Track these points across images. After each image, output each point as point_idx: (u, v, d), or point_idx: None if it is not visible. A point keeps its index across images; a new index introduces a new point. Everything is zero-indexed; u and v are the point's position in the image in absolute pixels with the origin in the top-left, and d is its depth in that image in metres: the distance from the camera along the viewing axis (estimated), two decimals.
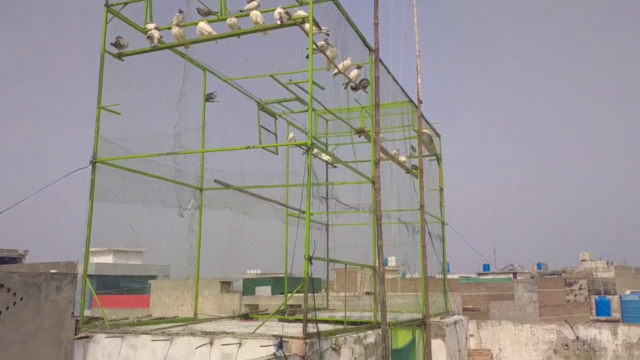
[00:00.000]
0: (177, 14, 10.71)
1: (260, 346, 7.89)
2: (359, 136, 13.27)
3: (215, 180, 12.14)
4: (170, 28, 10.28)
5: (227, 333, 8.63)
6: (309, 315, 8.29)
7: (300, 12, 9.41)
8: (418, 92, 15.57)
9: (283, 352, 7.62)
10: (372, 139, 11.69)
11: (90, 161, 9.78)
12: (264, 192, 13.38)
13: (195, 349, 8.35)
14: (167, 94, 9.90)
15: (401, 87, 14.19)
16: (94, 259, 45.63)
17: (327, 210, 17.91)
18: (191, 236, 10.24)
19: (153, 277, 39.29)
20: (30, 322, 9.35)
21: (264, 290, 34.93)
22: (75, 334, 9.32)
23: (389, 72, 13.19)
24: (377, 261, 11.02)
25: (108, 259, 46.72)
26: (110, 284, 40.48)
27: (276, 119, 15.71)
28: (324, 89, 10.28)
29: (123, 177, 9.67)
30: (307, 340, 8.08)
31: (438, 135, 18.37)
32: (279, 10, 9.48)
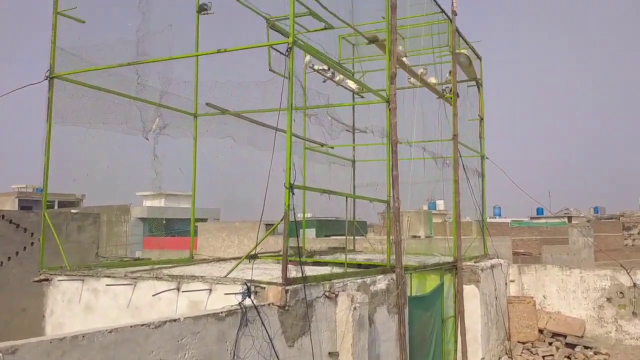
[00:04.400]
0: None
1: (225, 294, 6.39)
2: (368, 44, 11.21)
3: (207, 104, 10.52)
4: None
5: (196, 277, 7.17)
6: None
7: None
8: (453, 3, 13.33)
9: (253, 301, 6.09)
10: (387, 49, 9.72)
11: (46, 76, 8.29)
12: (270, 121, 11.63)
13: (153, 295, 6.94)
14: None
15: None
16: (146, 203, 45.89)
17: (354, 142, 16.16)
18: (155, 163, 8.71)
19: (203, 220, 39.17)
20: (50, 263, 8.62)
21: (309, 233, 34.25)
22: None
23: None
24: (390, 194, 9.26)
25: (159, 202, 46.79)
26: (161, 227, 40.53)
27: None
28: None
29: (82, 95, 8.14)
30: (289, 287, 6.52)
31: (479, 57, 16.06)
32: None
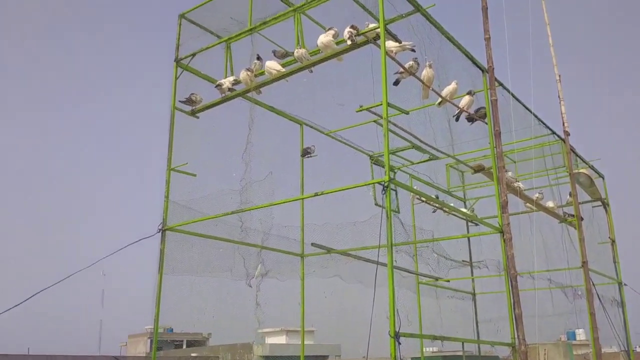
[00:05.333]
0: (255, 61, 9.60)
1: None
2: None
3: (312, 244, 10.43)
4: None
5: None
6: None
7: (372, 25, 7.69)
8: (563, 123, 12.74)
9: None
10: (494, 176, 9.25)
11: (159, 229, 8.68)
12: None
13: None
14: (236, 145, 8.62)
15: (536, 116, 11.53)
16: (268, 340, 45.99)
17: (472, 274, 15.21)
18: (258, 311, 8.51)
19: (325, 357, 38.16)
20: None
21: None
22: None
23: (515, 97, 10.73)
24: (515, 336, 8.30)
25: (281, 339, 46.69)
26: None
27: (395, 172, 13.77)
28: (407, 113, 8.29)
29: (191, 245, 8.39)
30: None
31: (600, 176, 14.99)
32: (348, 29, 7.86)
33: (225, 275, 8.64)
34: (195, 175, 9.14)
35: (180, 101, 9.43)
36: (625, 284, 14.32)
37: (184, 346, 44.93)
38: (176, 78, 9.59)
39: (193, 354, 23.01)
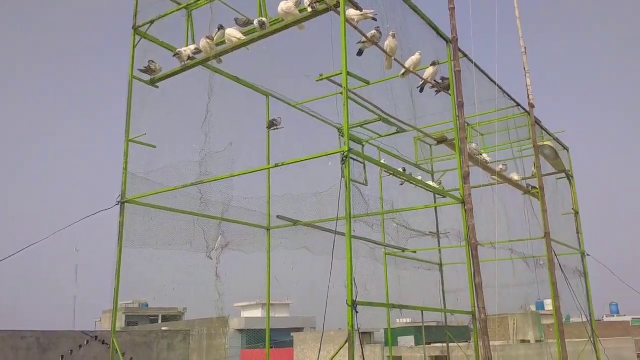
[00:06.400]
0: (216, 30, 9.37)
1: None
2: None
3: (278, 216, 10.38)
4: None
5: None
6: None
7: None
8: (528, 95, 12.80)
9: None
10: (457, 148, 9.27)
11: (118, 201, 8.52)
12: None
13: None
14: (197, 116, 8.45)
15: (500, 87, 11.53)
16: (244, 313, 46.14)
17: (439, 245, 15.37)
18: (218, 284, 8.47)
19: (300, 330, 38.53)
20: None
21: (407, 341, 32.54)
22: None
23: (479, 69, 10.71)
24: (475, 304, 8.41)
25: (257, 312, 46.90)
26: (259, 338, 40.33)
27: (363, 145, 13.73)
28: (368, 83, 8.21)
29: (150, 217, 8.26)
30: None
31: (565, 148, 15.16)
32: None
33: (186, 248, 8.55)
34: (154, 146, 8.96)
35: (139, 70, 9.19)
36: (588, 255, 14.61)
37: (160, 321, 44.88)
38: (134, 46, 9.33)
39: (164, 328, 22.90)
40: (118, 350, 8.26)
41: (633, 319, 51.93)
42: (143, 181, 8.52)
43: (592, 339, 13.86)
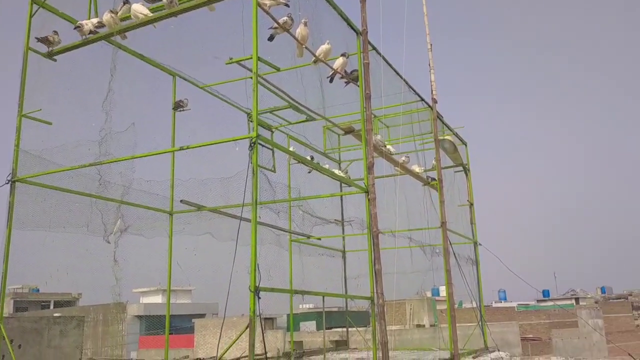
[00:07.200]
0: (121, 3, 8.96)
1: None
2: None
3: (182, 201, 10.17)
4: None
5: None
6: None
7: None
8: (432, 91, 13.31)
9: None
10: (363, 138, 9.50)
11: (8, 180, 7.99)
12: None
13: None
14: (98, 93, 8.07)
15: (406, 82, 11.92)
16: (143, 299, 44.81)
17: (343, 233, 15.72)
18: (115, 268, 8.23)
19: (201, 316, 38.03)
20: None
21: (309, 326, 33.10)
22: None
23: (387, 62, 11.00)
24: (374, 290, 8.70)
25: (157, 298, 45.71)
26: (159, 325, 39.40)
27: (272, 132, 13.71)
28: (279, 69, 8.25)
29: (44, 198, 7.82)
30: None
31: (463, 143, 15.95)
32: None
33: (82, 231, 8.17)
34: (50, 123, 8.46)
35: (36, 38, 8.61)
36: (480, 244, 15.49)
37: (52, 307, 42.73)
38: (31, 15, 8.74)
39: (56, 314, 21.85)
40: (5, 337, 7.79)
41: (519, 304, 55.84)
42: (37, 159, 8.04)
43: (480, 324, 14.75)
